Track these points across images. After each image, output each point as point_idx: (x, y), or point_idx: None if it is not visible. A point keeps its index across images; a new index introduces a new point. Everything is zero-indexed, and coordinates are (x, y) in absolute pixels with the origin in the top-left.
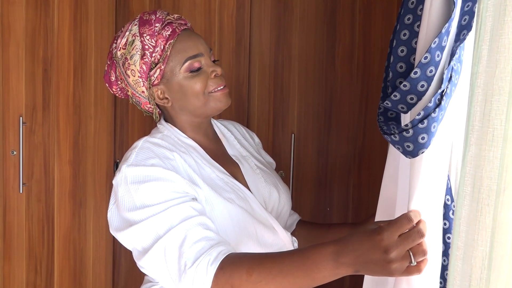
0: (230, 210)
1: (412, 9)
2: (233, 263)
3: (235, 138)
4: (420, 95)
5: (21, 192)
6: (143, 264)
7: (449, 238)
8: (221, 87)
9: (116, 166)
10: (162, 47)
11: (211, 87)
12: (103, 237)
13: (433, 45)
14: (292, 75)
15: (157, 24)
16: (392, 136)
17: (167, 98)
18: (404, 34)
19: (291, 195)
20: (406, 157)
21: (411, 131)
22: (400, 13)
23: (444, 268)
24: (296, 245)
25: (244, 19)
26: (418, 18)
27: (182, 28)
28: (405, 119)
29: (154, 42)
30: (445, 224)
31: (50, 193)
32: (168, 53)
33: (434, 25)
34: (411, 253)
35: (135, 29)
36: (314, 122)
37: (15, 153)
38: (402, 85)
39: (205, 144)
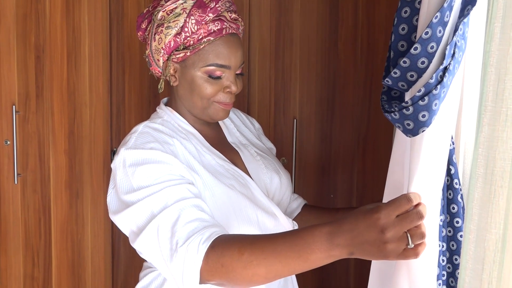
0: (231, 196)
1: None
2: (225, 243)
3: (235, 126)
4: (421, 72)
5: (16, 183)
6: (137, 246)
7: (457, 222)
8: (228, 103)
9: (113, 154)
10: (199, 38)
11: (218, 98)
12: (101, 227)
13: (434, 20)
14: (294, 58)
15: (210, 14)
16: (393, 114)
17: (175, 77)
18: (405, 12)
19: (293, 182)
20: (407, 135)
21: (411, 108)
22: None
23: (442, 254)
24: (296, 228)
25: (243, 1)
26: None
27: (229, 31)
28: (407, 97)
29: (196, 29)
30: (453, 208)
31: (46, 183)
32: (201, 47)
33: (435, 0)
34: (408, 235)
35: (189, 4)
36: (317, 107)
37: (8, 142)
38: (402, 61)
39: (205, 132)
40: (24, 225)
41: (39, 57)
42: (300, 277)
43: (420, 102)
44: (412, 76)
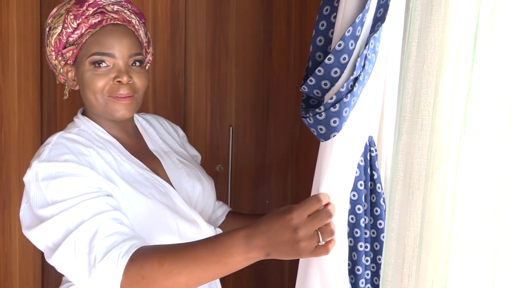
0: (150, 205)
1: (330, 1)
2: (145, 254)
3: (157, 133)
4: (333, 81)
5: None
6: (54, 263)
7: (380, 224)
8: (121, 96)
9: None
10: (81, 32)
11: (110, 91)
12: None
13: (347, 34)
14: (229, 67)
15: (90, 8)
16: (308, 119)
17: (76, 81)
18: (322, 25)
19: (229, 189)
20: (320, 140)
21: (323, 114)
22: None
23: (352, 249)
24: None
25: (179, 10)
26: (334, 9)
27: (110, 21)
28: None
29: (76, 24)
30: (376, 211)
31: None
32: (84, 40)
33: (349, 16)
34: (319, 233)
35: (71, 4)
36: (252, 115)
37: None
38: (317, 70)
39: (124, 140)
40: None
41: None
42: (236, 280)
43: (332, 109)
44: (325, 84)
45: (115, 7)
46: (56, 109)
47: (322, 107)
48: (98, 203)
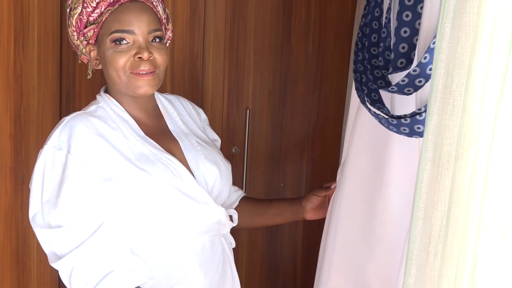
0: (158, 187)
1: None
2: None
3: (178, 114)
4: (428, 77)
5: None
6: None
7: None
8: (143, 72)
9: None
10: (100, 11)
11: (132, 68)
12: None
13: None
14: (248, 49)
15: None
16: (403, 120)
17: (99, 60)
18: (407, 15)
19: (245, 171)
20: (412, 137)
21: (409, 119)
22: None
23: None
24: (235, 217)
25: None
26: (420, 0)
27: None
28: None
29: (95, 3)
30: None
31: None
32: (104, 18)
33: (437, 9)
34: None
35: None
36: (269, 98)
37: None
38: (412, 70)
39: (142, 119)
40: None
41: None
42: (246, 277)
43: (418, 117)
44: (420, 81)
45: None
46: (75, 86)
47: (423, 108)
48: (99, 220)
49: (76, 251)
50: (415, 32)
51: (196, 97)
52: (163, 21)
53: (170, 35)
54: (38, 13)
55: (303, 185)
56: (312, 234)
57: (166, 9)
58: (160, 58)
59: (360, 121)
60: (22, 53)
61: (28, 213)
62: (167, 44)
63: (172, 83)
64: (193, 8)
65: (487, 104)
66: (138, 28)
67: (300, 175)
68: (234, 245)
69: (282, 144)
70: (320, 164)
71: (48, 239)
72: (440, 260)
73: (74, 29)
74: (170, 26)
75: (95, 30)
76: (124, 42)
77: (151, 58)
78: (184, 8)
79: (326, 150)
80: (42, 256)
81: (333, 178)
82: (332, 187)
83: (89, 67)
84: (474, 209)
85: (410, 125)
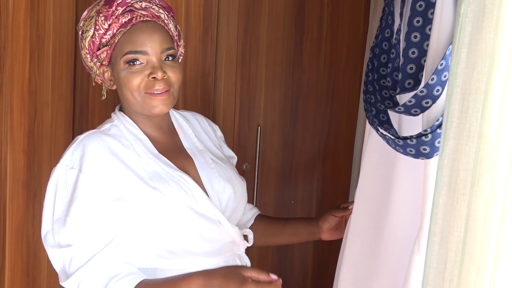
0: (170, 206)
1: (422, 12)
2: None
3: (193, 131)
4: (435, 99)
5: None
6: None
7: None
8: (158, 91)
9: None
10: (113, 33)
11: (146, 88)
12: None
13: (448, 52)
14: (259, 67)
15: (119, 8)
16: (409, 140)
17: (113, 81)
18: (415, 37)
19: (255, 188)
20: (419, 158)
21: (430, 135)
22: (403, 13)
23: None
24: (251, 237)
25: (211, 9)
26: (431, 5)
27: (141, 19)
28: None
29: (107, 25)
30: None
31: (2, 183)
32: (116, 40)
33: (446, 30)
34: None
35: (100, 5)
36: (281, 115)
37: None
38: (419, 91)
39: (156, 137)
40: None
41: None
42: None
43: (438, 130)
44: (427, 102)
45: (143, 4)
46: (88, 102)
47: (429, 129)
48: (107, 238)
49: (82, 269)
50: (423, 53)
51: (208, 114)
52: (175, 38)
53: (182, 51)
54: (54, 29)
55: (314, 202)
56: (323, 253)
57: (178, 26)
58: (174, 76)
59: (370, 142)
60: (37, 68)
61: (39, 228)
62: (180, 60)
63: (184, 100)
64: (206, 25)
65: (503, 129)
66: (151, 48)
67: (311, 192)
68: (249, 266)
69: (293, 161)
70: (331, 181)
71: (58, 259)
72: (456, 286)
73: (87, 51)
74: (182, 42)
75: (108, 51)
76: (138, 62)
77: (165, 77)
78: (197, 25)
79: (337, 168)
80: (52, 270)
81: (344, 196)
82: (350, 208)
83: (103, 87)
84: (491, 235)
85: (416, 146)
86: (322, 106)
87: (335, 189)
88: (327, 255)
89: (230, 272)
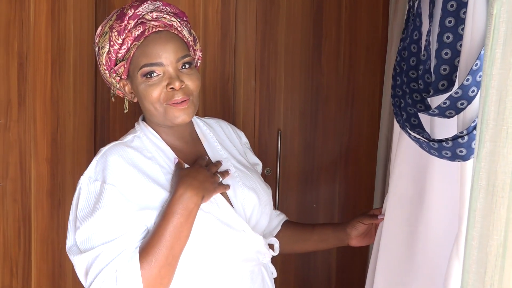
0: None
1: (454, 12)
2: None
3: (217, 139)
4: (470, 100)
5: None
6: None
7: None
8: (177, 102)
9: None
10: (127, 47)
11: (166, 99)
12: None
13: (482, 52)
14: (278, 71)
15: (130, 21)
16: (444, 143)
17: (134, 94)
18: (448, 37)
19: (277, 192)
20: (455, 161)
21: (466, 137)
22: (432, 15)
23: None
24: (277, 246)
25: (229, 14)
26: (464, 5)
27: (153, 30)
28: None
29: (121, 40)
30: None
31: (27, 192)
32: (132, 53)
33: (480, 29)
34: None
35: (113, 20)
36: (301, 119)
37: None
38: (454, 92)
39: (179, 146)
40: (2, 234)
41: (22, 64)
42: (282, 282)
43: (474, 132)
44: (462, 104)
45: (154, 14)
46: (109, 111)
47: (465, 131)
48: (130, 246)
49: (102, 272)
50: (456, 53)
51: (228, 119)
52: (190, 43)
53: (200, 55)
54: (74, 39)
55: (336, 205)
56: (346, 255)
57: (192, 31)
58: (192, 84)
59: (401, 146)
60: (58, 78)
61: (63, 237)
62: (198, 64)
63: (204, 106)
64: (224, 31)
65: None
66: (166, 59)
67: (333, 196)
68: (275, 275)
69: (315, 164)
70: (353, 184)
71: (80, 265)
72: None
73: (105, 67)
74: (198, 46)
75: (125, 66)
76: (155, 74)
77: (183, 86)
78: (215, 31)
79: (360, 170)
80: (77, 279)
81: (368, 199)
82: (379, 217)
83: (125, 101)
84: None
85: (452, 149)
86: (342, 108)
87: (357, 192)
88: (351, 256)
89: (200, 183)
